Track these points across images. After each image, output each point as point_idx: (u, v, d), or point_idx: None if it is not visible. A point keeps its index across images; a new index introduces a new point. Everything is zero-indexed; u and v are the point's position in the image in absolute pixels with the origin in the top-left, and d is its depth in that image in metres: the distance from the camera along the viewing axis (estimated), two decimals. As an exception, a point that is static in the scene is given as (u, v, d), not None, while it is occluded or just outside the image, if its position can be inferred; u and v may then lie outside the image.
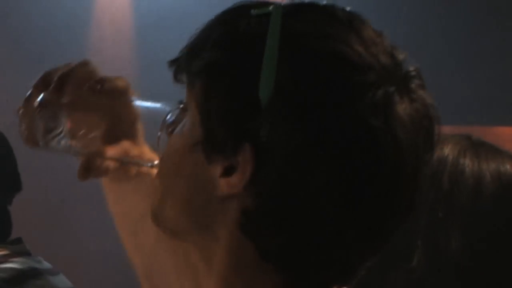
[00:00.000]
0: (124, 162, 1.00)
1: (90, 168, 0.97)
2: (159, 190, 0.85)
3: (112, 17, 4.25)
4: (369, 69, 0.77)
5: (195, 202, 0.82)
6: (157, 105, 0.96)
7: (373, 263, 1.00)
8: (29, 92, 0.99)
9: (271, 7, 0.79)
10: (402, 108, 0.77)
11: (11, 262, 1.77)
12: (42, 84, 0.98)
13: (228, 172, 0.79)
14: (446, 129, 0.97)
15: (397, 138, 0.77)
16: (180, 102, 0.85)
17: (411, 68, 0.80)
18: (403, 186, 0.79)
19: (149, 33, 4.00)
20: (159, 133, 0.89)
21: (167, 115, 0.88)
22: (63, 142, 0.97)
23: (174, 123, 0.86)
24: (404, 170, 0.78)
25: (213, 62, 0.79)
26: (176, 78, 0.84)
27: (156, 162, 0.92)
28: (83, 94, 0.95)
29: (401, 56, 0.79)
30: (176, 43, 0.88)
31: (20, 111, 0.99)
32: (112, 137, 0.98)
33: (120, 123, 0.97)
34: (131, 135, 0.98)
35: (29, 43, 4.03)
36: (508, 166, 1.25)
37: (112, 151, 0.97)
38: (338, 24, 0.79)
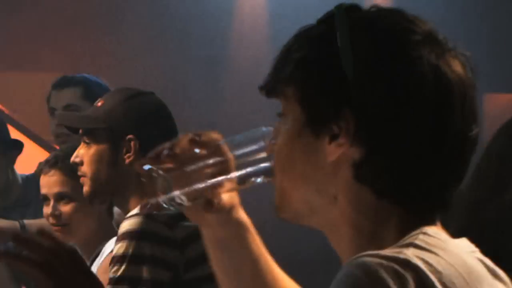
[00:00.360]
0: (244, 180, 1.17)
1: (211, 202, 1.16)
2: (279, 185, 1.07)
3: (251, 10, 4.71)
4: (424, 33, 1.02)
5: (313, 176, 1.04)
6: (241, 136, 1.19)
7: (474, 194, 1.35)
8: (147, 167, 1.18)
9: (333, 8, 1.05)
10: (454, 57, 1.03)
11: None
12: (155, 157, 1.17)
13: (334, 138, 1.01)
14: None
15: (459, 75, 1.02)
16: (279, 115, 1.07)
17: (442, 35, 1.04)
18: (469, 115, 1.02)
19: (284, 23, 4.43)
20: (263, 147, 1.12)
21: (267, 135, 1.13)
22: (184, 195, 1.17)
23: (273, 135, 1.10)
24: (468, 101, 1.02)
25: (302, 61, 1.03)
26: (270, 96, 1.08)
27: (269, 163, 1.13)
28: (188, 153, 1.16)
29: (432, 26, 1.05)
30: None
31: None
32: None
33: (216, 166, 1.16)
34: (227, 173, 1.17)
35: (179, 32, 4.66)
36: None
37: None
38: (385, 9, 1.06)
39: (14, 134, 3.63)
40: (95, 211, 2.55)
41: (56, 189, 2.57)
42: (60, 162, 2.57)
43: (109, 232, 2.51)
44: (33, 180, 3.16)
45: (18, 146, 3.28)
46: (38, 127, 4.67)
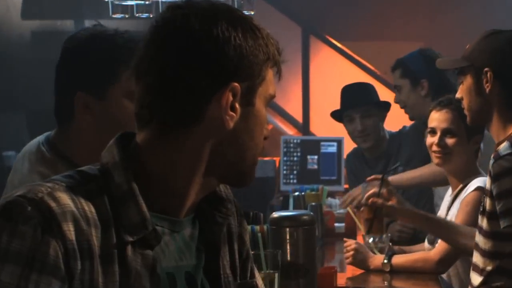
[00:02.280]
0: None
1: None
2: None
3: None
4: None
5: None
6: None
7: None
8: None
9: None
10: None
11: None
12: None
13: None
14: None
15: None
16: None
17: None
18: None
19: None
20: None
21: None
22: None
23: None
24: None
25: None
26: None
27: None
28: None
29: None
30: None
31: None
32: None
33: None
34: None
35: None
36: None
37: None
38: None
39: (384, 93, 7.07)
40: (470, 148, 4.74)
41: (444, 125, 4.72)
42: (453, 103, 4.59)
43: (474, 169, 4.78)
44: (397, 136, 6.29)
45: (387, 107, 6.30)
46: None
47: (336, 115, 6.36)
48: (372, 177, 5.21)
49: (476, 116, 3.91)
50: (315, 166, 7.56)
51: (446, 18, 10.99)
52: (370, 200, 4.54)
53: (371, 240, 4.80)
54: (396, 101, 6.18)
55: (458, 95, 3.96)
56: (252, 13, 5.14)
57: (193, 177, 1.96)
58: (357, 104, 6.26)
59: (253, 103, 1.96)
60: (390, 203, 4.65)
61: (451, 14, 10.90)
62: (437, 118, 4.75)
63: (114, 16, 6.01)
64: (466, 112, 3.91)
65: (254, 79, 1.94)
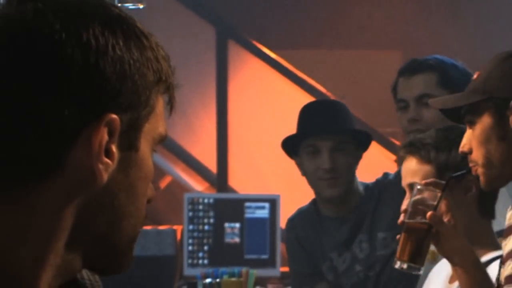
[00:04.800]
0: None
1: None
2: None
3: None
4: None
5: None
6: None
7: None
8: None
9: None
10: None
11: None
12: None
13: None
14: None
15: None
16: None
17: None
18: None
19: None
20: None
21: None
22: None
23: None
24: None
25: None
26: None
27: None
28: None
29: None
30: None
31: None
32: None
33: None
34: None
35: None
36: None
37: None
38: None
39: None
40: (465, 204, 2.89)
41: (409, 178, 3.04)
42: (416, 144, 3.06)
43: (483, 239, 2.94)
44: (374, 189, 4.18)
45: (366, 142, 4.22)
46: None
47: (289, 145, 4.24)
48: (431, 180, 2.78)
49: (497, 173, 2.64)
50: (237, 239, 5.38)
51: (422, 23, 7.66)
52: (429, 215, 2.69)
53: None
54: (410, 121, 4.00)
55: (464, 147, 2.69)
56: (141, 6, 4.21)
57: (46, 254, 1.26)
58: (329, 129, 4.18)
59: (137, 146, 1.30)
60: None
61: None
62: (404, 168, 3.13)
63: None
64: (481, 170, 2.66)
65: (139, 109, 1.29)
